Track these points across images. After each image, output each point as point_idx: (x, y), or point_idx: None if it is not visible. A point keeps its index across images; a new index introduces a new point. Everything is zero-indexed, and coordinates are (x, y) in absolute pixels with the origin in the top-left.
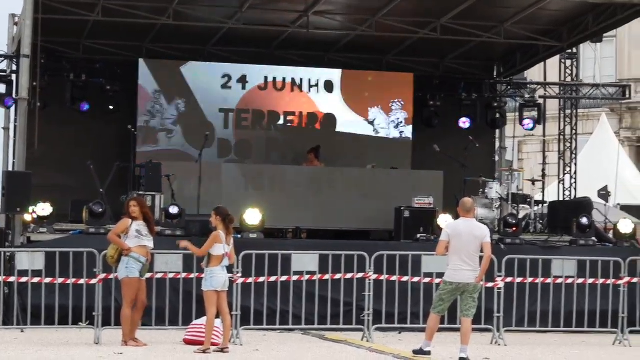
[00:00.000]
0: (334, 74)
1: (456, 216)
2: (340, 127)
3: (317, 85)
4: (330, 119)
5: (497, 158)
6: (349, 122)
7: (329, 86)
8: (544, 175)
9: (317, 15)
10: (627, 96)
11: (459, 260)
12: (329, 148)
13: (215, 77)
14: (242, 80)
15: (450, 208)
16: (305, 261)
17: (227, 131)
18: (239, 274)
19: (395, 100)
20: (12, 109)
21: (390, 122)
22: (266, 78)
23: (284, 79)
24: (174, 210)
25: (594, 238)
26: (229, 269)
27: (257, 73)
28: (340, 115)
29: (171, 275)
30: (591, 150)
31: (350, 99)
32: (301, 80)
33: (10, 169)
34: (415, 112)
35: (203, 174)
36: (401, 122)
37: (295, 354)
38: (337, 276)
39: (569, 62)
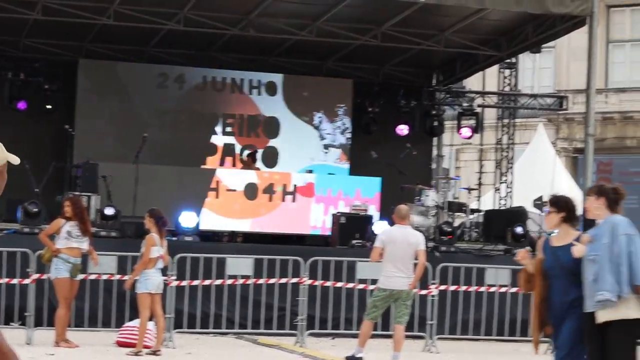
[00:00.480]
0: (277, 76)
1: (392, 223)
2: (283, 132)
3: (258, 87)
4: (273, 123)
5: (434, 166)
6: (293, 126)
7: (271, 88)
8: (480, 184)
9: (259, 18)
10: (564, 107)
11: (392, 267)
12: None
13: (152, 77)
14: (180, 80)
15: (386, 215)
16: (240, 265)
17: (163, 133)
18: (174, 277)
19: (342, 106)
20: None
21: (336, 128)
22: (205, 78)
23: (224, 79)
24: (109, 211)
25: (528, 247)
26: (163, 272)
27: (195, 73)
28: (283, 119)
29: (105, 277)
30: (527, 160)
31: (293, 103)
32: (242, 81)
33: None
34: (354, 118)
35: (140, 176)
36: (347, 128)
37: (227, 358)
38: (272, 281)
39: (507, 72)
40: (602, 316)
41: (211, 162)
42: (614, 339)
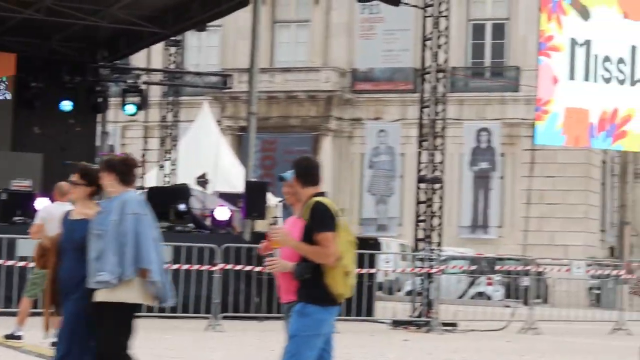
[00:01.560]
0: None
1: (54, 200)
2: None
3: None
4: None
5: (99, 142)
6: None
7: None
8: (144, 161)
9: None
10: (229, 85)
11: None
12: None
13: None
14: None
15: (48, 191)
16: None
17: None
18: None
19: (3, 80)
20: None
21: None
22: None
23: None
24: None
25: (191, 224)
26: None
27: None
28: None
29: None
30: (192, 138)
31: None
32: None
33: None
34: (17, 93)
35: None
36: (8, 103)
37: None
38: None
39: (173, 50)
40: (99, 296)
41: None
42: (107, 322)
